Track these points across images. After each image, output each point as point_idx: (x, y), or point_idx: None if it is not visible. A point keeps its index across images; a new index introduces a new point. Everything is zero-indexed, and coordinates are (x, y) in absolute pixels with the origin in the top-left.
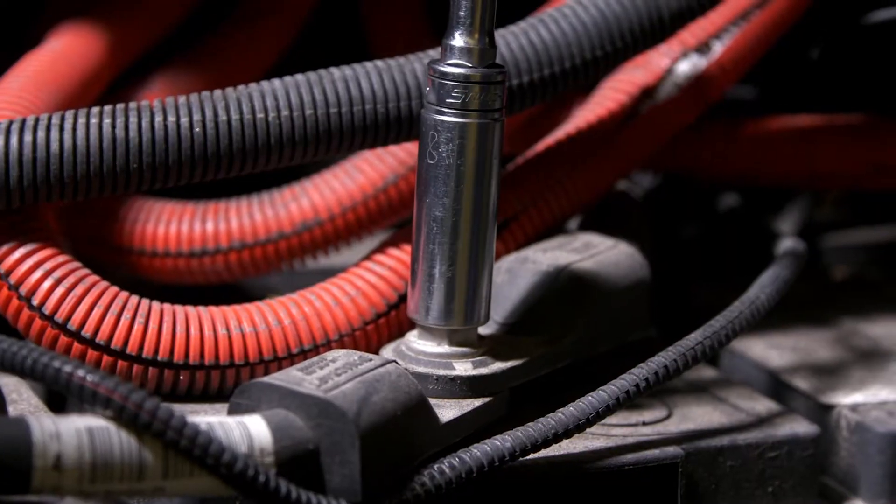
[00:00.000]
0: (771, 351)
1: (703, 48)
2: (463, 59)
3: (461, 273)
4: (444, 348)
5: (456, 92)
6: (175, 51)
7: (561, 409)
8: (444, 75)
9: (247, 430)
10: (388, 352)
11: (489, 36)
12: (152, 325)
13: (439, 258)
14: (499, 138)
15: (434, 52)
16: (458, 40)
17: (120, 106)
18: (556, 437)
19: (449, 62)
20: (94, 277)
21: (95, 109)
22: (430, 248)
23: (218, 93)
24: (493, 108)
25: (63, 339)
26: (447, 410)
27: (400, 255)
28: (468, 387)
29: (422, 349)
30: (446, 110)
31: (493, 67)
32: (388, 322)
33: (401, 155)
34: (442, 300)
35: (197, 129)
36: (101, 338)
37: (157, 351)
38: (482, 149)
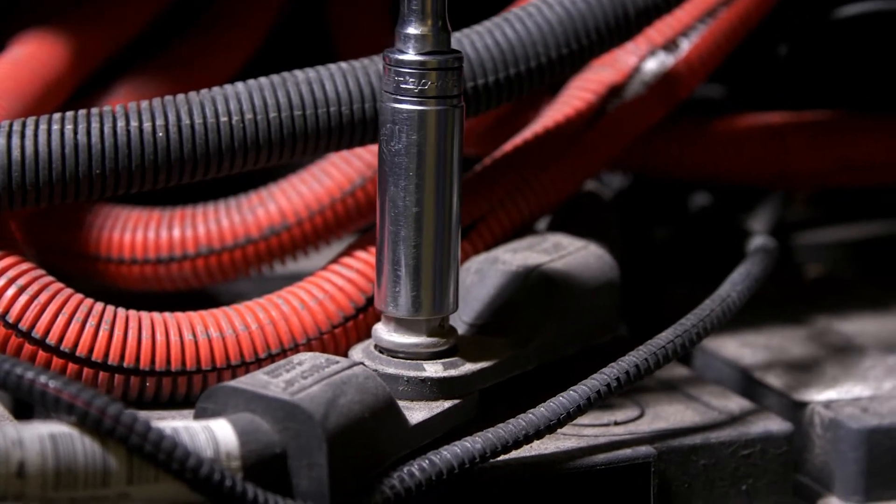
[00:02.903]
0: (744, 349)
1: (670, 46)
2: (417, 47)
3: (427, 262)
4: (414, 339)
5: (412, 80)
6: (140, 57)
7: (532, 410)
8: (400, 63)
9: (212, 435)
10: (356, 352)
11: (442, 21)
12: (117, 332)
13: (404, 248)
14: (459, 124)
15: None
16: (412, 28)
17: (82, 112)
18: (528, 438)
19: (403, 50)
20: (59, 285)
21: (57, 116)
22: (394, 238)
23: (181, 97)
24: (451, 95)
25: (28, 347)
26: (416, 412)
27: (367, 258)
28: (438, 388)
29: (390, 339)
30: (404, 98)
31: (449, 53)
32: (357, 325)
33: (368, 158)
34: (409, 290)
35: (160, 134)
36: (65, 345)
37: (122, 358)
38: (442, 136)
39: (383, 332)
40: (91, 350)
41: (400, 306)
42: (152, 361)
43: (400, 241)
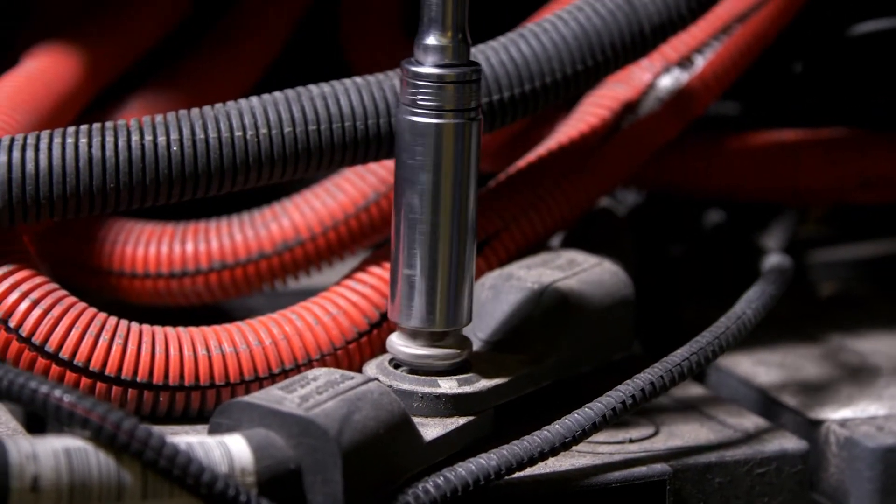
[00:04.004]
0: (758, 367)
1: (685, 62)
2: (436, 58)
3: (442, 275)
4: (428, 350)
5: (430, 92)
6: (153, 72)
7: (547, 427)
8: (418, 75)
9: (227, 450)
10: (371, 368)
11: (462, 34)
12: (131, 346)
13: (419, 260)
14: (476, 138)
15: None
16: (431, 39)
17: (96, 125)
18: (543, 455)
19: (422, 61)
20: (72, 299)
21: (71, 129)
22: (409, 251)
23: (195, 111)
24: (468, 108)
25: (41, 361)
26: (431, 429)
27: (381, 274)
28: (453, 405)
29: (405, 351)
30: (421, 111)
31: (468, 66)
32: (370, 341)
33: (382, 173)
34: (423, 303)
35: (174, 148)
36: (79, 359)
37: (136, 372)
38: (459, 149)
39: (398, 343)
40: (104, 364)
41: (413, 318)
42: (165, 376)
43: (415, 253)
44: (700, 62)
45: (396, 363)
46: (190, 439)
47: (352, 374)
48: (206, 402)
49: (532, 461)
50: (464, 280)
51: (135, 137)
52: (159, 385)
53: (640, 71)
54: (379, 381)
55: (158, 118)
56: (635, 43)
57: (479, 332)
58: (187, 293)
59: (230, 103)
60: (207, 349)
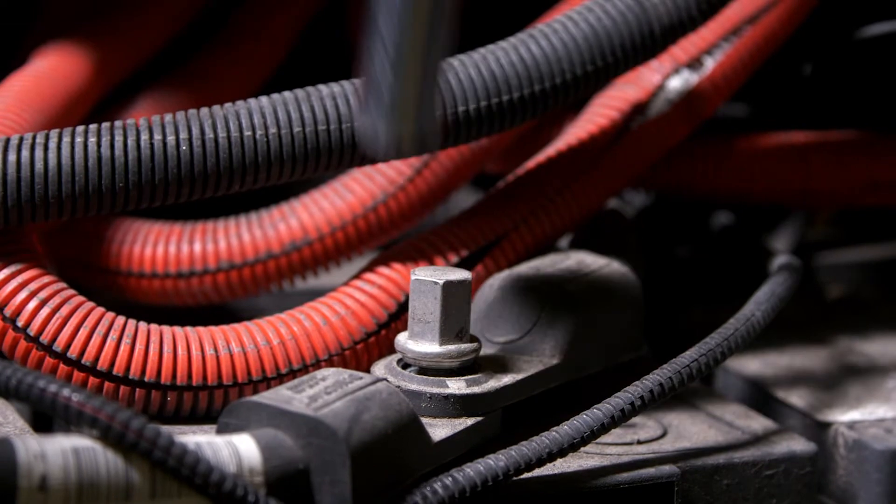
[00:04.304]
0: (766, 369)
1: (694, 64)
2: None
3: (411, 71)
4: (437, 348)
5: None
6: (162, 71)
7: (555, 428)
8: None
9: (235, 450)
10: (379, 368)
11: None
12: (139, 346)
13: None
14: None
15: None
16: None
17: (105, 125)
18: (551, 456)
19: None
20: (80, 298)
21: (80, 128)
22: (377, 50)
23: (205, 111)
24: None
25: (49, 361)
26: (439, 429)
27: (389, 274)
28: (461, 405)
29: (413, 349)
30: None
31: None
32: (378, 342)
33: (390, 174)
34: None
35: (183, 148)
36: (86, 359)
37: (143, 372)
38: None
39: (406, 343)
40: (112, 364)
41: (380, 135)
42: (173, 376)
43: (383, 51)
44: (710, 64)
45: (405, 363)
46: (198, 439)
47: (360, 374)
48: (214, 401)
49: (540, 462)
50: (430, 79)
51: (144, 137)
52: (167, 385)
53: (650, 72)
54: (387, 381)
55: (168, 118)
56: (645, 44)
57: (487, 332)
58: (195, 293)
59: (239, 103)
60: (215, 349)
